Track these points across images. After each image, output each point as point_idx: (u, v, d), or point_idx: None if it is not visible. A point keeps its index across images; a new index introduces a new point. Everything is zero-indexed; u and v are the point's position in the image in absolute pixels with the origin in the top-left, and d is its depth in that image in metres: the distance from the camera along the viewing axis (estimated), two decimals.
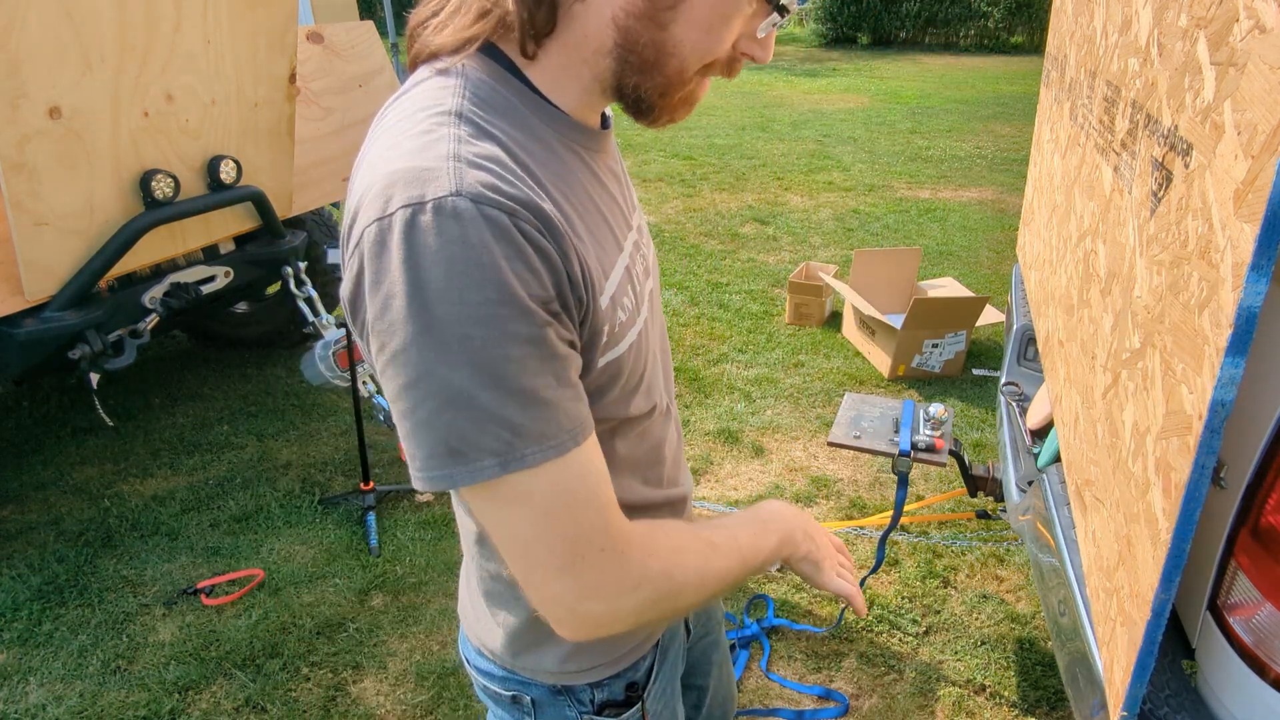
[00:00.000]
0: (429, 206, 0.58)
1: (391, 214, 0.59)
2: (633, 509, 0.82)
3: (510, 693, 0.90)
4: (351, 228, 0.63)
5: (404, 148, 0.62)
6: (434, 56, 0.69)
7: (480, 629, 0.90)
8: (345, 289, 0.64)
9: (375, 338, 0.61)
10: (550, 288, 0.61)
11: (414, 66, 0.72)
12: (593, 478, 0.65)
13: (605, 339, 0.70)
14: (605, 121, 0.80)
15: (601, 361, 0.71)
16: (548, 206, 0.62)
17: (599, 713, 0.89)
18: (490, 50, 0.69)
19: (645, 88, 0.68)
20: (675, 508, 0.91)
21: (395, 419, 0.64)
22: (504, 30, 0.67)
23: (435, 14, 0.70)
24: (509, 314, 0.59)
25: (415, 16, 0.72)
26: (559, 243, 0.62)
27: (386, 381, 0.62)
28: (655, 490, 0.87)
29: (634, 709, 0.91)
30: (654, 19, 0.64)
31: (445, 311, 0.58)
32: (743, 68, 0.72)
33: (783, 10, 0.67)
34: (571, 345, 0.65)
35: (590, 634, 0.68)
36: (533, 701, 0.89)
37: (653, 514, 0.75)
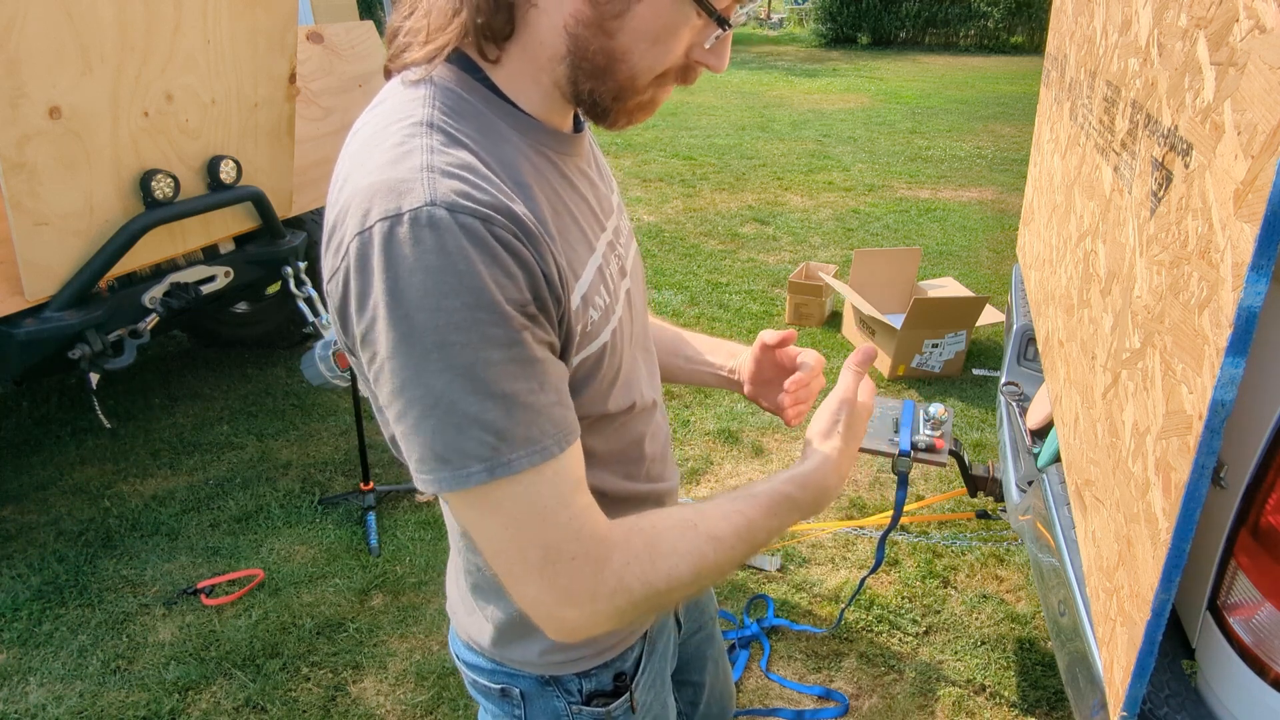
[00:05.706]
0: (405, 218, 0.59)
1: (371, 227, 0.60)
2: (613, 502, 0.83)
3: (499, 685, 0.90)
4: (333, 241, 0.64)
5: (379, 160, 0.63)
6: (405, 69, 0.71)
7: (468, 623, 0.90)
8: (334, 304, 0.65)
9: (364, 349, 0.63)
10: (527, 291, 0.63)
11: (388, 76, 0.74)
12: (569, 485, 0.66)
13: (579, 337, 0.71)
14: (578, 125, 0.81)
15: (576, 359, 0.73)
16: (521, 210, 0.64)
17: (587, 703, 0.90)
18: (458, 58, 0.70)
19: (599, 93, 0.70)
20: (659, 502, 0.92)
21: (391, 426, 0.65)
22: (469, 36, 0.69)
23: (408, 16, 0.72)
24: (487, 319, 0.60)
25: (390, 25, 0.73)
26: (534, 245, 0.63)
27: (379, 390, 0.64)
28: (637, 485, 0.88)
29: (622, 699, 0.91)
30: (601, 27, 0.66)
31: (424, 319, 0.59)
32: (700, 74, 0.73)
33: (725, 24, 0.68)
34: (551, 348, 0.67)
35: (572, 637, 0.69)
36: (521, 694, 0.90)
37: (634, 508, 0.76)
